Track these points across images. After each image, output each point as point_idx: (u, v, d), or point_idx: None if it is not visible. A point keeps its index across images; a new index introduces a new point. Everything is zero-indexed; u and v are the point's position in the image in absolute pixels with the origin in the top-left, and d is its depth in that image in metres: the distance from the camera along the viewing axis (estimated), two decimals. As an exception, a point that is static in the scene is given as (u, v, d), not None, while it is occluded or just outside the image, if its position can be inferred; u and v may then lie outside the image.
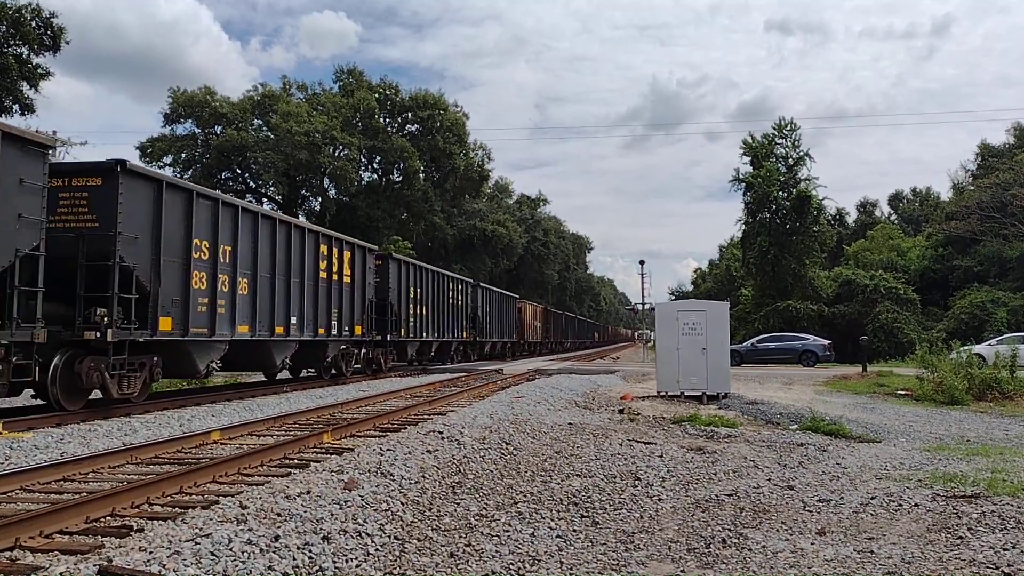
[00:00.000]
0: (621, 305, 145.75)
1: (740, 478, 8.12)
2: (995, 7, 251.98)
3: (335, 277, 18.78)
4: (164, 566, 4.39)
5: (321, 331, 17.94)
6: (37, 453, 8.43)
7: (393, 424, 11.09)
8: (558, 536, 5.81)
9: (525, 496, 7.05)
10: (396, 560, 5.17)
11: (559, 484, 7.55)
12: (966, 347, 22.42)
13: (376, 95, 53.45)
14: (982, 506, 6.72)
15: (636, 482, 7.72)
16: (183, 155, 47.90)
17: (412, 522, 6.03)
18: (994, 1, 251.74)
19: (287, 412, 12.37)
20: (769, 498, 7.15)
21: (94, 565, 4.36)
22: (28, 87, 29.70)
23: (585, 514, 6.50)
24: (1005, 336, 27.48)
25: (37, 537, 5.08)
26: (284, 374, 19.12)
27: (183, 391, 16.54)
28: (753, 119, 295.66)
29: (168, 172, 44.36)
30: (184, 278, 12.90)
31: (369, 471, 7.16)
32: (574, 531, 5.99)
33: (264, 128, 49.08)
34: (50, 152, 10.60)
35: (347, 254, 19.65)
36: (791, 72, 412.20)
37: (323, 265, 18.15)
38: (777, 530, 6.08)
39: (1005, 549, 5.47)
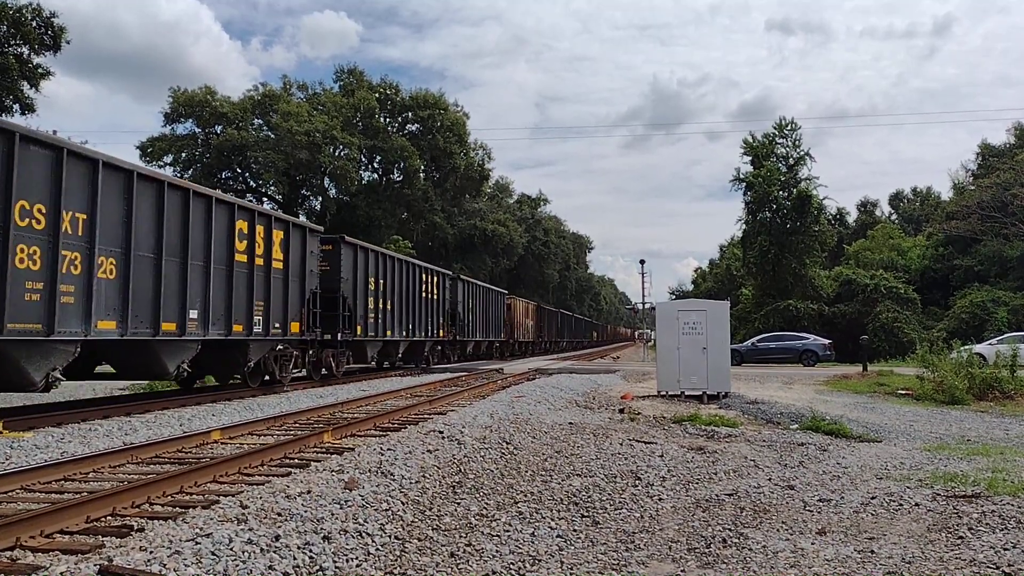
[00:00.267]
0: (621, 304, 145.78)
1: (740, 478, 8.12)
2: (995, 7, 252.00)
3: (259, 261, 15.15)
4: (165, 566, 4.39)
5: (237, 328, 14.32)
6: (37, 452, 8.43)
7: (393, 423, 11.09)
8: (558, 536, 5.81)
9: (525, 496, 7.05)
10: (396, 560, 5.17)
11: (559, 484, 7.55)
12: (966, 347, 22.42)
13: (376, 95, 53.51)
14: (983, 506, 6.72)
15: (636, 482, 7.72)
16: (183, 155, 47.98)
17: (412, 522, 6.03)
18: (994, 1, 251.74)
19: (287, 412, 12.37)
20: (769, 498, 7.15)
21: (95, 565, 4.36)
22: (29, 87, 29.74)
23: (585, 514, 6.50)
24: (1005, 336, 27.47)
25: (38, 537, 5.08)
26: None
27: (183, 391, 16.51)
28: (754, 119, 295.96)
29: (169, 172, 44.42)
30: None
31: (369, 471, 7.16)
32: (574, 531, 5.99)
33: (264, 128, 49.14)
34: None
35: (278, 234, 15.84)
36: (792, 72, 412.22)
37: (241, 246, 14.51)
38: (777, 530, 6.08)
39: (1006, 549, 5.47)
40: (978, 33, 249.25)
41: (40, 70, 29.71)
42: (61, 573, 4.29)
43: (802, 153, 41.15)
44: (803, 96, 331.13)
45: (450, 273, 30.81)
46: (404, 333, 23.85)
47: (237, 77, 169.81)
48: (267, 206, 43.63)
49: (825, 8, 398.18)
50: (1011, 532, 5.91)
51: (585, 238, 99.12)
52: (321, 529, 5.35)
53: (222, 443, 9.44)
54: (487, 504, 6.70)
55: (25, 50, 29.01)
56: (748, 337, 34.99)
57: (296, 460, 8.09)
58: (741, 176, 41.37)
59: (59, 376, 10.66)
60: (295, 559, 4.80)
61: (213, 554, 4.60)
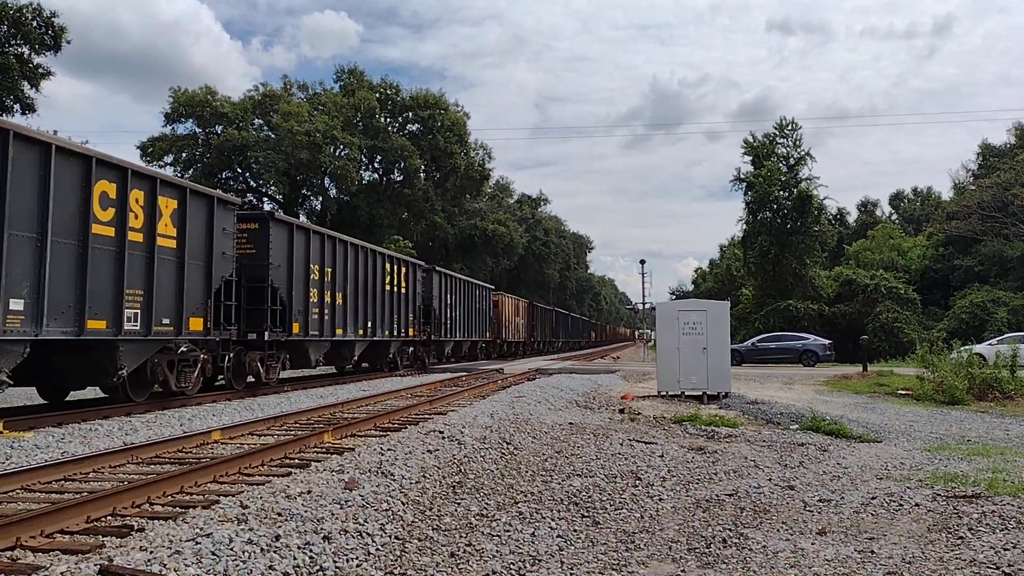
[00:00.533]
0: (622, 304, 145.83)
1: (741, 478, 8.12)
2: (995, 7, 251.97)
3: (135, 237, 11.97)
4: (165, 566, 4.39)
5: (95, 324, 11.13)
6: (38, 452, 8.44)
7: (394, 423, 11.09)
8: (559, 536, 5.81)
9: (526, 496, 7.05)
10: (397, 560, 5.17)
11: (560, 484, 7.55)
12: (967, 347, 22.41)
13: (377, 95, 53.55)
14: (983, 506, 6.72)
15: (637, 482, 7.73)
16: (184, 155, 48.03)
17: (413, 522, 6.04)
18: (994, 1, 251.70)
19: (287, 412, 12.37)
20: (770, 498, 7.15)
21: (95, 565, 4.36)
22: (29, 87, 29.78)
23: (586, 514, 6.50)
24: (1006, 336, 27.45)
25: (38, 537, 5.08)
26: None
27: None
28: (754, 119, 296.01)
29: (168, 171, 44.42)
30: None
31: (370, 471, 7.17)
32: (575, 531, 5.99)
33: (265, 128, 49.18)
34: None
35: (168, 203, 12.66)
36: (792, 72, 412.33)
37: (105, 215, 11.33)
38: (778, 530, 6.08)
39: (1006, 549, 5.47)
40: (978, 33, 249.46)
41: (40, 70, 29.74)
42: (61, 573, 4.29)
43: (802, 153, 41.19)
44: (803, 96, 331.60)
45: (423, 264, 27.41)
46: (361, 332, 20.29)
47: (237, 77, 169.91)
48: (267, 206, 43.64)
49: (825, 8, 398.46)
50: (1011, 532, 5.91)
51: (585, 238, 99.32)
52: (321, 529, 5.35)
53: (222, 443, 9.44)
54: (487, 504, 6.70)
55: (25, 50, 29.05)
56: (748, 337, 34.98)
57: (296, 460, 8.09)
58: (741, 176, 41.39)
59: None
60: (295, 559, 4.80)
61: (213, 554, 4.60)
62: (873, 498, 7.10)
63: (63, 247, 10.48)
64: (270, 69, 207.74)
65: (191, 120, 47.96)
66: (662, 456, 9.09)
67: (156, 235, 12.31)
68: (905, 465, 9.09)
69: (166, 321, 12.67)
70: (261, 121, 49.53)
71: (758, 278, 41.86)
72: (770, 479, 8.04)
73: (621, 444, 9.80)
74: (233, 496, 6.19)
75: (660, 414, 13.21)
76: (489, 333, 36.05)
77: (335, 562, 4.94)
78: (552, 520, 6.25)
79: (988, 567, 5.11)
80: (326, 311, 18.21)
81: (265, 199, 50.09)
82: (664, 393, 16.31)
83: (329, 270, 18.45)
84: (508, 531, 5.90)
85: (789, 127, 41.26)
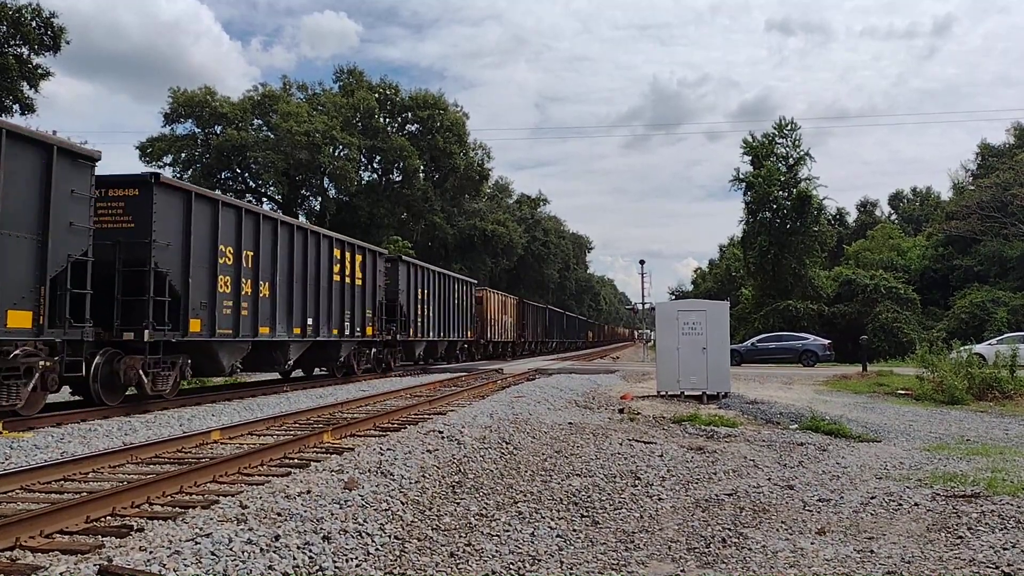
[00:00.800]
0: (621, 304, 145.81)
1: (740, 478, 8.12)
2: (995, 7, 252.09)
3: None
4: (164, 566, 4.39)
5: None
6: (37, 453, 8.44)
7: (393, 424, 11.10)
8: (558, 536, 5.81)
9: (525, 496, 7.05)
10: (396, 560, 5.17)
11: (559, 484, 7.55)
12: (966, 347, 22.41)
13: (376, 95, 53.54)
14: (982, 506, 6.72)
15: (636, 482, 7.73)
16: (183, 155, 47.99)
17: (412, 522, 6.03)
18: (994, 1, 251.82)
19: (287, 412, 12.37)
20: (769, 498, 7.15)
21: (94, 565, 4.36)
22: (28, 87, 29.76)
23: (585, 514, 6.50)
24: (1005, 336, 27.48)
25: (37, 537, 5.08)
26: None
27: (183, 391, 16.49)
28: (754, 119, 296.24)
29: (168, 172, 44.45)
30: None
31: (369, 471, 7.17)
32: (574, 531, 5.99)
33: (264, 128, 49.17)
34: None
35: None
36: (792, 72, 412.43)
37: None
38: (777, 530, 6.08)
39: (1005, 549, 5.47)
40: (978, 33, 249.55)
41: (40, 70, 29.72)
42: (61, 573, 4.29)
43: (802, 153, 41.18)
44: (803, 96, 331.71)
45: (385, 252, 23.57)
46: (297, 330, 16.93)
47: (237, 77, 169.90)
48: (266, 206, 43.63)
49: (825, 8, 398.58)
50: (1011, 532, 5.91)
51: (585, 238, 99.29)
52: (321, 529, 5.35)
53: (222, 443, 9.44)
54: (487, 504, 6.70)
55: (25, 50, 29.03)
56: (748, 337, 34.99)
57: (296, 460, 8.10)
58: (741, 176, 41.40)
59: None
60: (295, 559, 4.80)
61: (213, 554, 4.60)
62: (872, 498, 7.10)
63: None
64: (270, 69, 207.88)
65: (191, 120, 47.96)
66: (661, 456, 9.09)
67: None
68: (904, 465, 9.09)
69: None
70: (260, 121, 49.51)
71: (758, 278, 41.88)
72: (769, 479, 8.04)
73: (620, 444, 9.80)
74: (232, 496, 6.19)
75: (659, 414, 13.21)
76: (471, 332, 33.28)
77: (335, 562, 4.94)
78: (552, 520, 6.25)
79: (987, 567, 5.11)
80: (244, 305, 14.69)
81: (264, 199, 50.13)
82: (663, 393, 16.31)
83: (249, 254, 14.91)
84: (508, 531, 5.90)
85: (788, 127, 41.27)
